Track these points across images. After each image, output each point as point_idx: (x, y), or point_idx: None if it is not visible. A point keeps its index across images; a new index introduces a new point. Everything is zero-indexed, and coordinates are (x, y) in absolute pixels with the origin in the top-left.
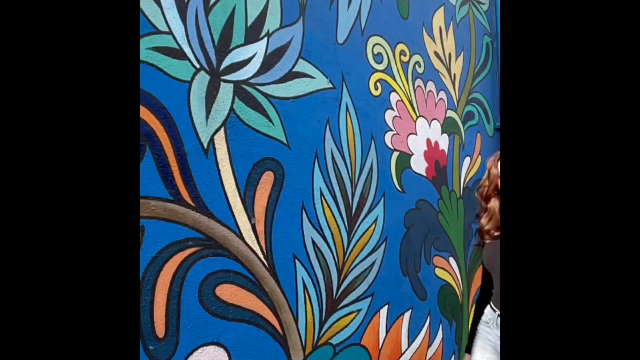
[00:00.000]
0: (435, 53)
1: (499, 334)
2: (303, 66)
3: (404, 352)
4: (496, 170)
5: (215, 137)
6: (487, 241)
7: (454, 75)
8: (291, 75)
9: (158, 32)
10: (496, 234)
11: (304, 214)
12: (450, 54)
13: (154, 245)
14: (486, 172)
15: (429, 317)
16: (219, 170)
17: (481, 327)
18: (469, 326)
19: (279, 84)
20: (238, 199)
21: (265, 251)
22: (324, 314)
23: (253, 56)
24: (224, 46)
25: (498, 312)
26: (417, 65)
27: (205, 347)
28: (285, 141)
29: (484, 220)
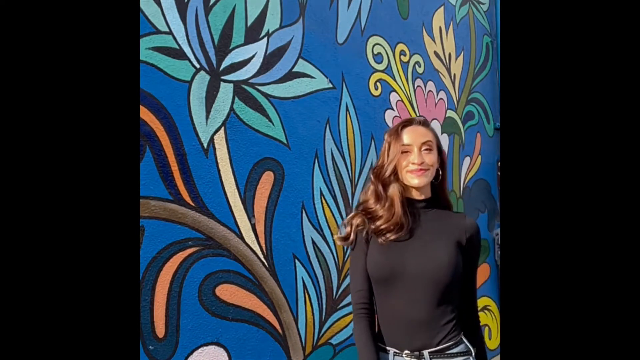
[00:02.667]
0: (435, 53)
1: None
2: (303, 66)
3: None
4: (398, 144)
5: (215, 137)
6: (382, 240)
7: (454, 75)
8: (291, 75)
9: (158, 32)
10: (393, 236)
11: (304, 214)
12: (450, 54)
13: (154, 245)
14: (385, 147)
15: None
16: (219, 170)
17: None
18: None
19: (279, 84)
20: (238, 199)
21: (265, 251)
22: (324, 314)
23: (253, 56)
24: (224, 46)
25: (393, 350)
26: (417, 65)
27: (205, 347)
28: (285, 141)
29: (383, 213)
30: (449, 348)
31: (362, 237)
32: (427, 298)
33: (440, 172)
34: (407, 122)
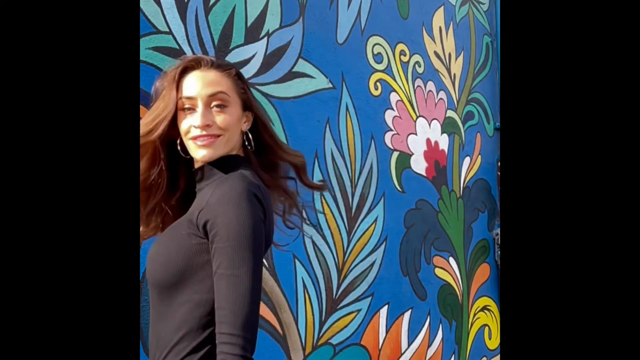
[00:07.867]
0: (435, 53)
1: None
2: (303, 66)
3: (404, 352)
4: (174, 95)
5: None
6: None
7: (454, 75)
8: (291, 75)
9: (158, 32)
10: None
11: (304, 214)
12: (450, 54)
13: None
14: (155, 94)
15: (428, 317)
16: None
17: None
18: None
19: (279, 84)
20: None
21: None
22: (323, 314)
23: (253, 56)
24: (224, 46)
25: None
26: (417, 65)
27: None
28: (285, 141)
29: None
30: None
31: None
32: (153, 309)
33: (262, 137)
34: (193, 64)
